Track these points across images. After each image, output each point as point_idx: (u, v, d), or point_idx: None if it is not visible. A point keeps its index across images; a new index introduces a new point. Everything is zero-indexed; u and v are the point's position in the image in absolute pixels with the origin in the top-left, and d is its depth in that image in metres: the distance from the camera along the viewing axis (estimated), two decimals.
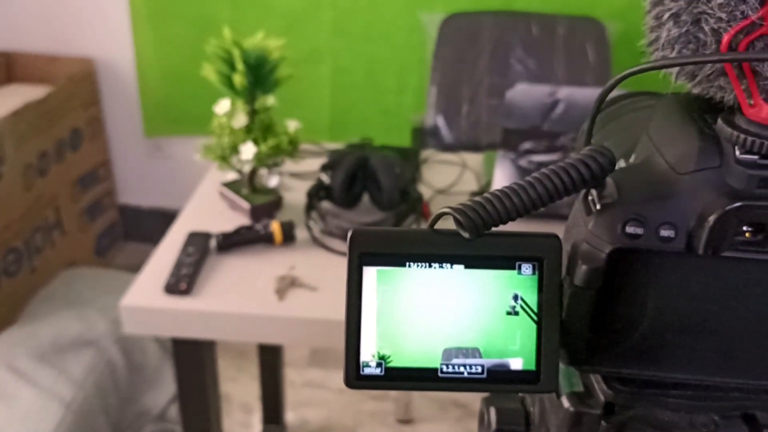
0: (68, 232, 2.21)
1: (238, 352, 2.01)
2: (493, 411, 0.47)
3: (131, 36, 2.21)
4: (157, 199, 2.44)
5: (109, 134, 2.42)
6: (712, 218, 0.34)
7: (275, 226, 1.21)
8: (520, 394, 0.48)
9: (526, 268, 0.37)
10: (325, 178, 1.29)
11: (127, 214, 2.49)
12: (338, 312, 1.20)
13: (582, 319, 0.38)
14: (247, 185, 1.29)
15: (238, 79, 1.18)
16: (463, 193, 1.39)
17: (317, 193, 1.29)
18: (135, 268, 1.23)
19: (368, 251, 0.37)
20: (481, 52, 1.92)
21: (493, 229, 0.37)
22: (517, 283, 0.37)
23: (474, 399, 1.93)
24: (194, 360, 1.17)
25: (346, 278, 0.37)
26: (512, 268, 0.37)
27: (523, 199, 0.36)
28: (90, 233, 2.35)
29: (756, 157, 0.35)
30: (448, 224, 0.38)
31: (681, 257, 0.36)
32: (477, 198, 0.37)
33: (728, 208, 0.34)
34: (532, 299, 0.37)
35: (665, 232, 0.35)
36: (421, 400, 1.93)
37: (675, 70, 0.37)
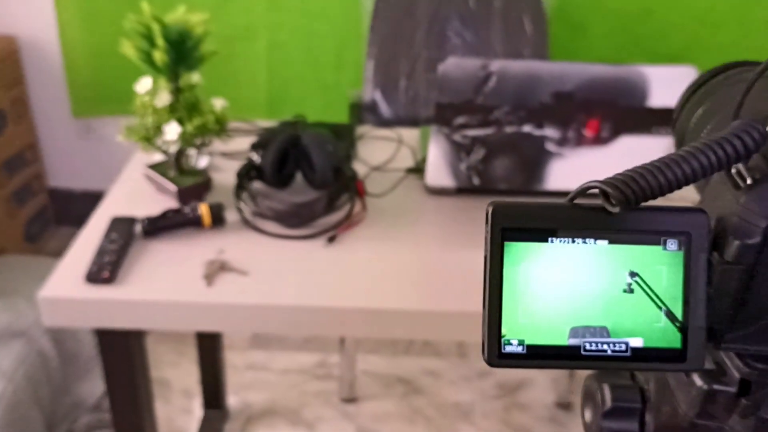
0: None
1: (178, 336, 1.97)
2: (606, 388, 0.46)
3: (55, 12, 2.11)
4: (90, 182, 2.35)
5: (36, 115, 2.31)
6: None
7: (203, 209, 1.17)
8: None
9: (672, 244, 0.36)
10: (256, 158, 1.24)
11: (58, 198, 2.40)
12: (270, 296, 1.16)
13: (728, 297, 0.37)
14: (174, 167, 1.24)
15: (159, 56, 1.13)
16: (399, 169, 1.36)
17: (247, 173, 1.25)
18: None
19: (510, 226, 0.36)
20: (417, 26, 1.89)
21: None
22: (662, 259, 0.36)
23: (419, 374, 1.93)
24: (121, 351, 1.13)
25: (485, 253, 0.36)
26: (657, 243, 0.36)
27: (677, 174, 0.35)
28: (19, 219, 2.25)
29: None
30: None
31: None
32: (627, 171, 0.36)
33: None
34: (678, 276, 0.36)
35: None
36: (364, 377, 1.92)
37: None
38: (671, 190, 0.36)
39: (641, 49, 2.06)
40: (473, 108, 1.18)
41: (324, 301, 1.07)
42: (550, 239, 0.36)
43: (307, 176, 1.26)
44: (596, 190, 0.36)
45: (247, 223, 1.19)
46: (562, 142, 1.20)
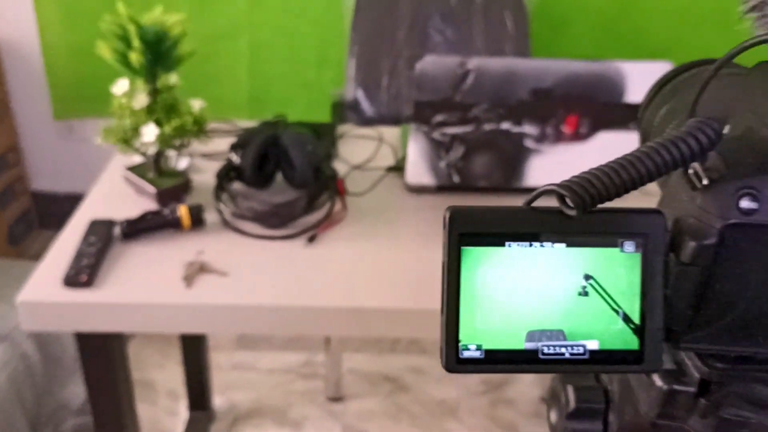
0: None
1: (163, 338, 1.96)
2: (570, 389, 0.46)
3: (34, 13, 2.10)
4: (73, 184, 2.33)
5: (17, 117, 2.30)
6: None
7: (183, 210, 1.16)
8: None
9: (629, 246, 0.36)
10: (235, 158, 1.24)
11: (41, 201, 2.38)
12: (250, 297, 1.16)
13: (686, 297, 0.37)
14: (153, 168, 1.24)
15: (135, 57, 1.12)
16: (380, 168, 1.36)
17: (227, 174, 1.24)
18: None
19: (468, 231, 0.36)
20: (399, 23, 1.89)
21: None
22: (620, 261, 0.36)
23: (405, 372, 1.93)
24: (102, 354, 1.12)
25: (443, 259, 0.36)
26: (615, 245, 0.36)
27: (632, 174, 0.35)
28: (1, 222, 2.24)
29: None
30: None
31: None
32: (583, 174, 0.36)
33: None
34: (635, 277, 0.36)
35: None
36: (350, 376, 1.92)
37: None
38: (627, 191, 0.36)
39: (622, 46, 2.06)
40: (452, 106, 1.18)
41: (304, 300, 1.07)
42: (507, 243, 0.36)
43: (287, 176, 1.25)
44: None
45: (226, 224, 1.19)
46: (540, 138, 1.21)
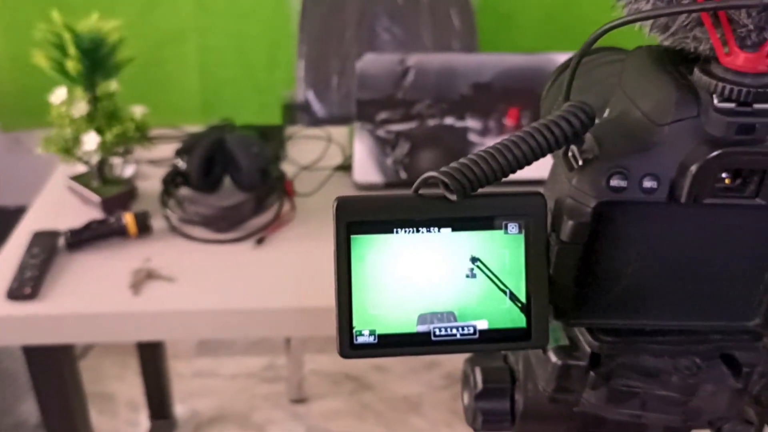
0: None
1: (120, 349, 1.94)
2: (478, 371, 0.47)
3: None
4: (24, 198, 2.29)
5: None
6: (694, 167, 0.35)
7: (128, 218, 1.15)
8: (503, 353, 0.49)
9: (513, 227, 0.37)
10: (181, 164, 1.23)
11: None
12: (198, 301, 1.15)
13: (568, 274, 0.38)
14: (97, 177, 1.22)
15: (72, 65, 1.11)
16: (329, 168, 1.37)
17: (173, 179, 1.23)
18: None
19: (355, 220, 0.37)
20: (346, 23, 1.89)
21: (480, 190, 0.37)
22: (504, 243, 0.37)
23: (367, 370, 1.94)
24: (51, 368, 1.11)
25: (334, 248, 0.37)
26: (499, 228, 0.37)
27: (508, 159, 0.36)
28: None
29: (733, 104, 0.35)
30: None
31: (663, 207, 0.37)
32: (463, 160, 0.37)
33: (709, 156, 0.35)
34: (519, 258, 0.37)
35: (648, 183, 0.36)
36: (313, 377, 1.92)
37: (649, 22, 0.37)
38: (506, 175, 0.37)
39: (568, 39, 2.09)
40: (394, 103, 1.19)
41: (254, 303, 1.06)
42: (395, 230, 0.37)
43: (234, 179, 1.25)
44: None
45: (174, 230, 1.18)
46: (484, 132, 1.22)
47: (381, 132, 1.22)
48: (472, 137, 1.22)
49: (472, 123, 1.21)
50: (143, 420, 1.78)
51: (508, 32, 2.08)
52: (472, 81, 1.18)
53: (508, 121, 1.21)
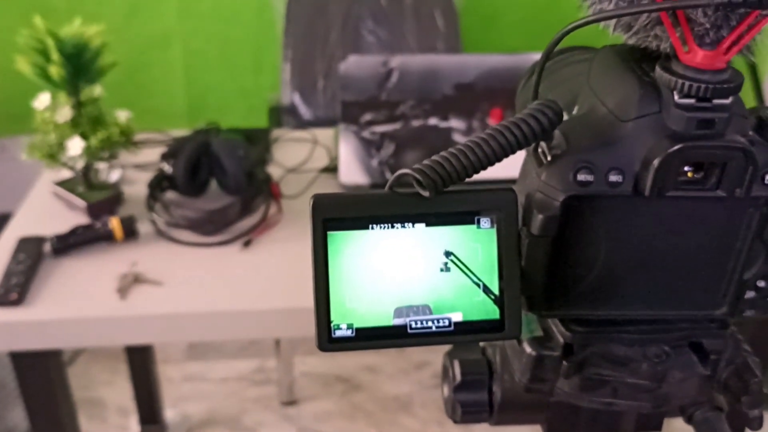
0: None
1: (110, 354, 1.93)
2: (456, 363, 0.48)
3: None
4: (9, 204, 2.28)
5: None
6: (656, 161, 0.36)
7: (114, 222, 1.15)
8: (481, 345, 0.50)
9: (485, 222, 0.39)
10: (167, 168, 1.24)
11: None
12: (185, 304, 1.15)
13: (540, 267, 0.40)
14: (83, 182, 1.23)
15: (55, 71, 1.11)
16: (315, 170, 1.37)
17: (159, 183, 1.24)
18: None
19: (331, 216, 0.38)
20: (331, 26, 1.90)
21: (453, 187, 0.38)
22: (476, 237, 0.38)
23: (357, 371, 1.95)
24: (39, 373, 1.11)
25: (311, 245, 0.38)
26: (471, 222, 0.38)
27: (479, 156, 0.38)
28: None
29: (693, 100, 0.36)
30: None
31: (629, 200, 0.38)
32: (435, 157, 0.38)
33: (671, 150, 0.36)
34: (492, 251, 0.38)
35: (614, 177, 0.37)
36: (303, 379, 1.92)
37: (613, 21, 0.38)
38: (477, 171, 0.38)
39: (550, 39, 2.10)
40: (378, 104, 1.20)
41: (241, 305, 1.07)
42: (370, 226, 0.38)
43: (220, 182, 1.26)
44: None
45: (160, 234, 1.19)
46: (468, 132, 1.23)
47: (366, 133, 1.22)
48: (457, 137, 1.23)
49: (456, 123, 1.22)
50: (133, 425, 1.77)
51: (492, 33, 2.09)
52: (455, 81, 1.19)
53: (492, 121, 1.22)
